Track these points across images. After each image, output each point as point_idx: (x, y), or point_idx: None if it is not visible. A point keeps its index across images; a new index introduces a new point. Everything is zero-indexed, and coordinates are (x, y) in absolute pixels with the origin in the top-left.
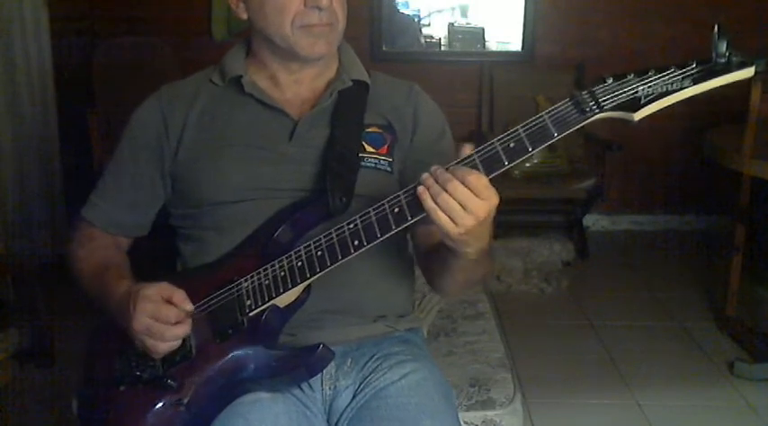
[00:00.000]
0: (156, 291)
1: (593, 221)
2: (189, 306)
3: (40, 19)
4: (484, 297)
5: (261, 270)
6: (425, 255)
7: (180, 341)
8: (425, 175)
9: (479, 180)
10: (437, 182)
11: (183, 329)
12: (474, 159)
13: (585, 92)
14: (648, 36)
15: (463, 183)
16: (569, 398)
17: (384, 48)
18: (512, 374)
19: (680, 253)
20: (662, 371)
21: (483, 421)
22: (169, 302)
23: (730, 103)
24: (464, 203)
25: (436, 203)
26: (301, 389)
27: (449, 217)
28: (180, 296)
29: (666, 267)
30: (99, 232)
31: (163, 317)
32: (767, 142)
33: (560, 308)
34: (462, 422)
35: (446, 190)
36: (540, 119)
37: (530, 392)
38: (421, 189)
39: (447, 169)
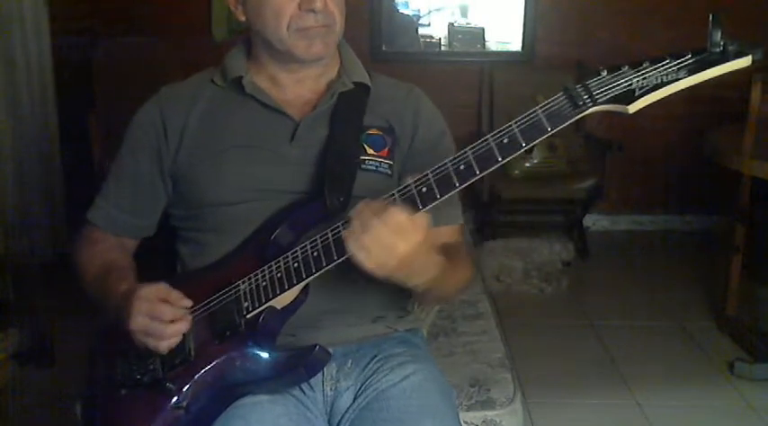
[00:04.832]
0: (151, 291)
1: (593, 221)
2: (186, 302)
3: (40, 19)
4: (484, 297)
5: (258, 271)
6: None
7: (180, 337)
8: (352, 211)
9: (396, 217)
10: (360, 221)
11: (183, 325)
12: (468, 156)
13: (579, 85)
14: (648, 36)
15: (382, 222)
16: (569, 398)
17: (384, 49)
18: (512, 374)
19: (680, 253)
20: (662, 371)
21: (483, 421)
22: (165, 301)
23: (730, 103)
24: (381, 242)
25: (360, 243)
26: (302, 390)
27: (367, 255)
28: (176, 295)
29: (666, 267)
30: (103, 234)
31: (158, 315)
32: (767, 142)
33: (560, 308)
34: (462, 422)
35: (366, 231)
36: (534, 114)
37: (530, 392)
38: (345, 233)
39: (369, 205)
